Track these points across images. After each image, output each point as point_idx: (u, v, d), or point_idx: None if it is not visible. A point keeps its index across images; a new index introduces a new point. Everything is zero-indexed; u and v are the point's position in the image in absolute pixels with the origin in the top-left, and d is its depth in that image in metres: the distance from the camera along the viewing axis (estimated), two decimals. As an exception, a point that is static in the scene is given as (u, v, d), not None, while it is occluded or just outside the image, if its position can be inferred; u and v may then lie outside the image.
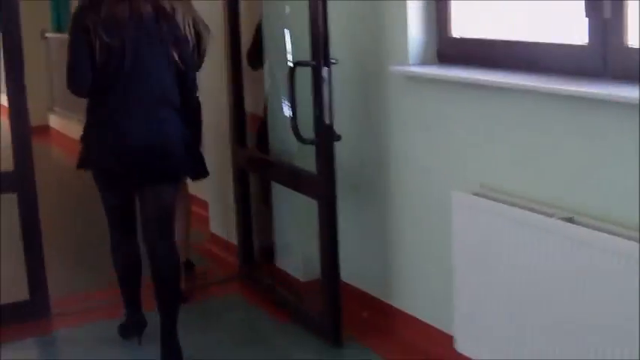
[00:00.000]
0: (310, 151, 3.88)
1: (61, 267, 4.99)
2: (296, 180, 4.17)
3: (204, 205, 5.67)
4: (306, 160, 4.04)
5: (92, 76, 3.61)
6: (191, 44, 3.74)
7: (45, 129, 10.15)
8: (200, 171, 3.98)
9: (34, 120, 4.46)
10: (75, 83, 3.66)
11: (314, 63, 3.69)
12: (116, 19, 3.58)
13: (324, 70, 3.66)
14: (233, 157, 4.75)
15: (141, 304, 4.07)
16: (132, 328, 4.05)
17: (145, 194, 3.77)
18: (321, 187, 3.82)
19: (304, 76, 3.76)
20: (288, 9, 4.44)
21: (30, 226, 4.23)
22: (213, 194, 5.44)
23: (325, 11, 3.64)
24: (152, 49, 3.64)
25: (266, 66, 4.67)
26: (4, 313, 4.19)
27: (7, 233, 4.85)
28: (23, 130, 4.17)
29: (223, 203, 5.19)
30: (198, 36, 3.82)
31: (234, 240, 4.97)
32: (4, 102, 4.30)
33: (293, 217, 4.61)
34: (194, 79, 3.82)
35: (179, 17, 3.69)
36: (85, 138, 3.78)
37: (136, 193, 3.82)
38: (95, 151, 3.72)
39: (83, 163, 3.81)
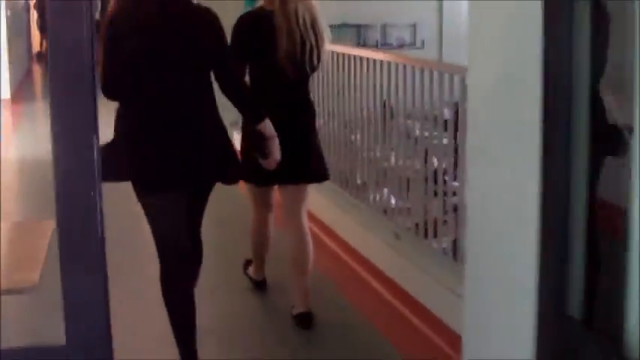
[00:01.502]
0: None
1: None
2: None
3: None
4: None
5: (124, 82, 3.51)
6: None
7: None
8: (312, 174, 4.24)
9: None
10: (108, 88, 3.50)
11: None
12: (143, 22, 3.49)
13: None
14: (543, 331, 2.54)
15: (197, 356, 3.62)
16: None
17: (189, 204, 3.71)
18: None
19: None
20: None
21: None
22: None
23: None
24: (175, 54, 3.54)
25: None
26: None
27: None
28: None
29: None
30: (316, 36, 3.94)
31: None
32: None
33: None
34: (236, 79, 3.75)
35: (295, 12, 3.90)
36: (113, 148, 3.51)
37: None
38: (134, 163, 3.57)
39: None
